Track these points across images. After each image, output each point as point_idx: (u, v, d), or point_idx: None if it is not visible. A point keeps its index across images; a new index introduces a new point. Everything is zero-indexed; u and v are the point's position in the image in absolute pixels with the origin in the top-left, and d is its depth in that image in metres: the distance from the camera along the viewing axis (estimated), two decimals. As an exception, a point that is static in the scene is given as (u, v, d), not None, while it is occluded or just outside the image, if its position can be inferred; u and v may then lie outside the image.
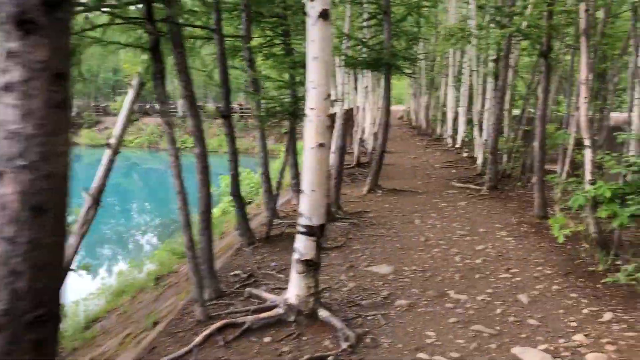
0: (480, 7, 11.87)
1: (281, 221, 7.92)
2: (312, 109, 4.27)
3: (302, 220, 4.42)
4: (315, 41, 4.21)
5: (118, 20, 5.56)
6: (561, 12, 7.65)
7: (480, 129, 14.44)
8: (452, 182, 11.44)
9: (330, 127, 9.42)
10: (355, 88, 16.70)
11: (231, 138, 6.81)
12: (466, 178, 12.14)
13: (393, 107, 54.75)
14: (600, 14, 8.23)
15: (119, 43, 6.01)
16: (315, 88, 4.25)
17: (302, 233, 4.42)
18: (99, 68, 65.21)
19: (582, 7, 6.17)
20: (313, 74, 4.25)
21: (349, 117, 15.28)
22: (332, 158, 8.64)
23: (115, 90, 66.63)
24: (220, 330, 4.24)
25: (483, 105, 16.54)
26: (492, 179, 10.00)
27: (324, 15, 4.16)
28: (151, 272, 9.41)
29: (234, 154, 6.82)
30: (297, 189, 9.79)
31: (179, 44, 5.07)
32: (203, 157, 5.23)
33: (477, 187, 10.49)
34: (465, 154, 16.17)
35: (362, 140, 16.45)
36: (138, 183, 34.97)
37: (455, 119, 20.32)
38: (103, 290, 9.66)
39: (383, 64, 9.94)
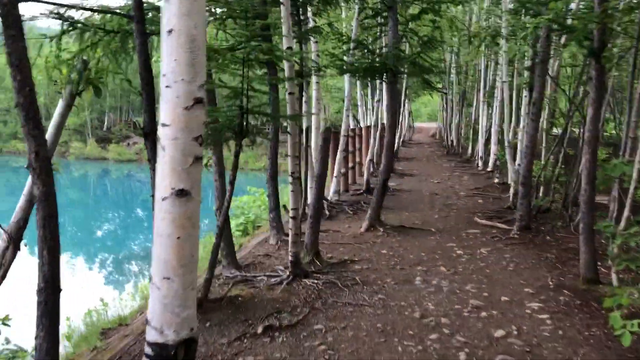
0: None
1: (233, 274, 5.96)
2: (165, 125, 2.31)
3: (150, 335, 2.42)
4: (172, 1, 2.27)
5: None
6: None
7: (514, 152, 12.25)
8: (475, 217, 9.28)
9: (327, 150, 7.48)
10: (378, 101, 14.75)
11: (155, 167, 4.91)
12: (494, 212, 9.96)
13: (425, 125, 52.44)
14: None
15: None
16: (169, 87, 2.29)
17: (150, 358, 2.42)
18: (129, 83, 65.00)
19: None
20: (168, 60, 2.30)
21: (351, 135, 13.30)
22: (310, 193, 6.65)
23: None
24: None
25: (518, 124, 14.38)
26: (524, 217, 7.81)
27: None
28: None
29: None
30: (275, 224, 7.83)
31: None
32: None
33: (506, 227, 8.32)
34: (496, 180, 13.93)
35: (373, 162, 14.41)
36: None
37: (488, 139, 18.16)
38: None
39: (386, 70, 7.94)
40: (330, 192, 11.36)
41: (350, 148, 14.47)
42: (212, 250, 5.16)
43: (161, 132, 2.31)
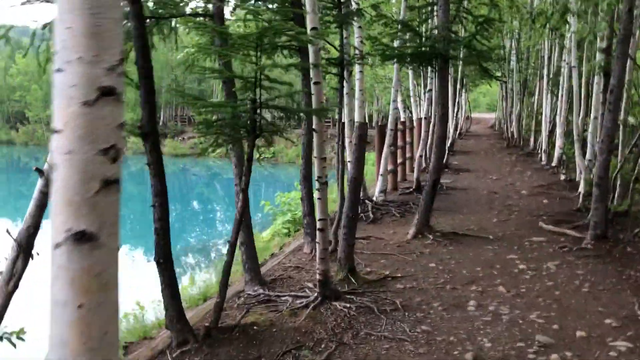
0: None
1: (256, 292, 5.17)
2: (56, 131, 1.49)
3: None
4: None
5: None
6: None
7: (583, 145, 10.96)
8: (540, 222, 8.14)
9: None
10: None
11: (158, 172, 4.19)
12: (561, 215, 8.78)
13: (484, 115, 50.42)
14: None
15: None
16: (62, 71, 1.46)
17: None
18: (184, 78, 65.81)
19: None
20: (60, 28, 1.48)
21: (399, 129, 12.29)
22: (346, 193, 5.80)
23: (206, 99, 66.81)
24: None
25: (586, 114, 12.98)
26: (600, 225, 6.65)
27: None
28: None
29: (162, 195, 4.17)
30: (310, 230, 7.00)
31: None
32: None
33: (577, 234, 7.17)
34: (562, 176, 12.60)
35: (424, 158, 13.35)
36: (219, 192, 34.53)
37: (552, 131, 16.74)
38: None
39: (435, 55, 6.94)
40: (375, 191, 10.43)
41: (400, 142, 13.47)
42: (224, 268, 4.36)
43: (52, 142, 1.49)
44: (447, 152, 15.40)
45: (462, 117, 38.71)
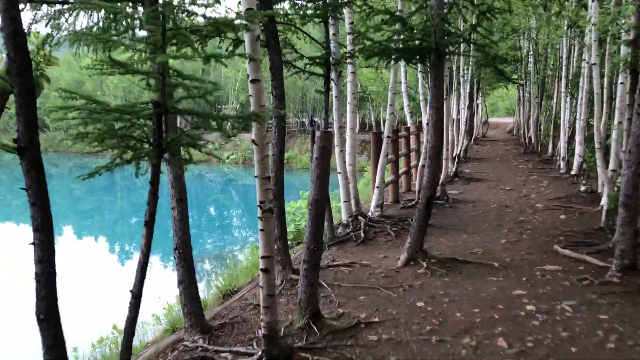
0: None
1: (194, 344, 4.11)
2: None
3: None
4: None
5: None
6: None
7: (606, 153, 9.74)
8: (555, 245, 6.96)
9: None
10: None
11: (39, 198, 3.16)
12: (581, 235, 7.59)
13: (502, 120, 49.00)
14: None
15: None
16: None
17: None
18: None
19: None
20: None
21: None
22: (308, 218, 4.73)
23: (215, 106, 66.20)
24: None
25: (610, 117, 11.74)
26: (628, 253, 5.46)
27: None
28: None
29: (45, 229, 3.13)
30: (281, 257, 5.92)
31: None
32: None
33: (599, 262, 5.99)
34: (582, 187, 11.34)
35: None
36: (235, 199, 34.05)
37: (572, 136, 15.49)
38: None
39: (427, 50, 5.83)
40: (371, 206, 9.32)
41: (403, 150, 12.35)
42: (125, 328, 3.29)
43: None
44: (457, 160, 14.21)
45: (479, 122, 37.44)
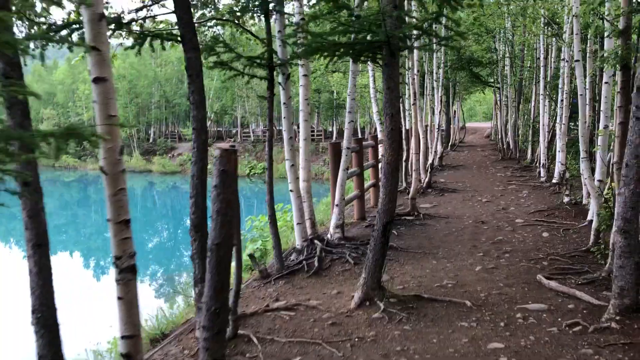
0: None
1: None
2: None
3: None
4: None
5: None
6: None
7: (590, 160, 8.77)
8: (539, 275, 5.89)
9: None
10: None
11: None
12: (568, 258, 6.55)
13: (480, 125, 48.47)
14: None
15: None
16: None
17: None
18: (174, 94, 63.77)
19: None
20: None
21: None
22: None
23: (188, 116, 64.69)
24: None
25: (594, 121, 10.84)
26: (629, 292, 4.39)
27: None
28: None
29: None
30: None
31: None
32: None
33: (593, 300, 4.92)
34: (566, 198, 10.35)
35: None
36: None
37: (552, 140, 14.62)
38: None
39: (378, 45, 4.74)
40: (330, 226, 8.20)
41: (371, 160, 11.30)
42: None
43: None
44: (430, 170, 13.19)
45: (456, 127, 36.60)
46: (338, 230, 8.00)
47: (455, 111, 35.69)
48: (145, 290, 15.01)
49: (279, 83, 7.14)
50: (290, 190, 7.43)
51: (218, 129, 64.08)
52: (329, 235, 7.98)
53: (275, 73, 6.67)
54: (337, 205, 8.08)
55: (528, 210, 10.01)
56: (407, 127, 14.16)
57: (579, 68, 8.00)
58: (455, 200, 11.64)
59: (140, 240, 24.79)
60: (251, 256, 6.49)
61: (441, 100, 17.31)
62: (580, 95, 8.39)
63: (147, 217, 31.97)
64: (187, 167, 49.70)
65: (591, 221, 7.51)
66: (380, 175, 5.53)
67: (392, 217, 5.12)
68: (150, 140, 63.63)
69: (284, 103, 7.24)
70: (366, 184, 10.82)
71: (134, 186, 45.71)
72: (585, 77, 9.13)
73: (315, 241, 7.49)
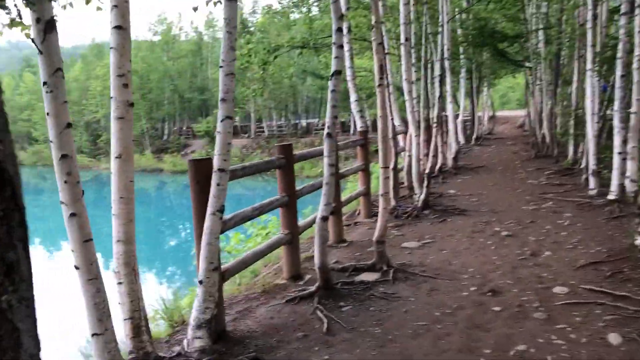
0: None
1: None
2: None
3: None
4: None
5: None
6: None
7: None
8: None
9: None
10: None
11: None
12: None
13: (511, 113, 43.32)
14: None
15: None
16: None
17: None
18: (187, 88, 60.60)
19: None
20: None
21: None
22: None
23: (202, 111, 61.49)
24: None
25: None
26: None
27: None
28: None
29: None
30: None
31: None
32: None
33: None
34: (639, 238, 6.23)
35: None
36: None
37: (600, 135, 10.46)
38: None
39: None
40: (189, 323, 4.33)
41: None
42: None
43: None
44: (427, 182, 9.19)
45: (485, 117, 32.14)
46: (201, 334, 4.09)
47: (474, 100, 31.17)
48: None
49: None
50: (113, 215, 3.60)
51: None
52: (179, 347, 4.11)
53: None
54: (200, 282, 4.18)
55: (575, 257, 5.96)
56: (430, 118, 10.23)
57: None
58: (459, 232, 7.63)
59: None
60: None
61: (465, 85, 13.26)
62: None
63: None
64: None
65: None
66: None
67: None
68: (164, 137, 60.81)
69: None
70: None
71: (146, 186, 42.65)
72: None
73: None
